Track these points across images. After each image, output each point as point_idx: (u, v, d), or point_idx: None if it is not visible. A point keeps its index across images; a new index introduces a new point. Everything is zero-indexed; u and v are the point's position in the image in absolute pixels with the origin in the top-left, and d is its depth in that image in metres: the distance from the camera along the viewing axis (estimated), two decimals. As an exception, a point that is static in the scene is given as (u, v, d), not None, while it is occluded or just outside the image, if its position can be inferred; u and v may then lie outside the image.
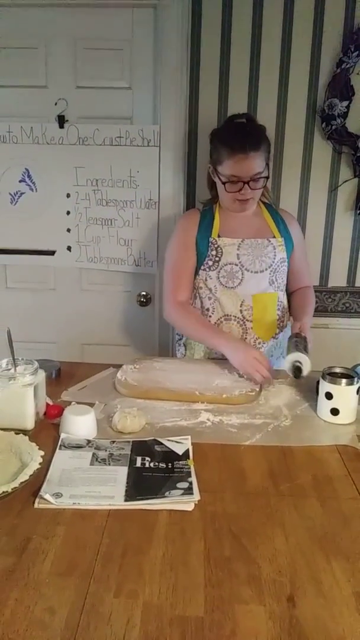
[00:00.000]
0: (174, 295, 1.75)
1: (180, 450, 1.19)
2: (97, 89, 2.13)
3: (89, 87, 2.13)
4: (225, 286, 1.73)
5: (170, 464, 1.13)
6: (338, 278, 2.27)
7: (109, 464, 1.13)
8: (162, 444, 1.21)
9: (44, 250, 2.28)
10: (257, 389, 1.48)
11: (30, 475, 1.04)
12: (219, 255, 1.72)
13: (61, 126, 2.14)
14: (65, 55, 2.11)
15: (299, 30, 2.02)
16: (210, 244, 1.73)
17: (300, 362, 1.47)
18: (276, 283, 1.76)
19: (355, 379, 1.35)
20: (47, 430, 1.28)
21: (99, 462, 1.14)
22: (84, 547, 0.91)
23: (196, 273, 1.76)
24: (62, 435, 1.23)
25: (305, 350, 1.51)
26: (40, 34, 2.10)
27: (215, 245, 1.72)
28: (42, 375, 1.33)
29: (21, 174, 2.21)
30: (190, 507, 1.01)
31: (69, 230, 2.25)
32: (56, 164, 2.18)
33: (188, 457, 1.17)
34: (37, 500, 1.01)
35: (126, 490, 1.04)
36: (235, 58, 2.06)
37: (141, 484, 1.06)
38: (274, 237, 1.76)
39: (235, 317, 1.74)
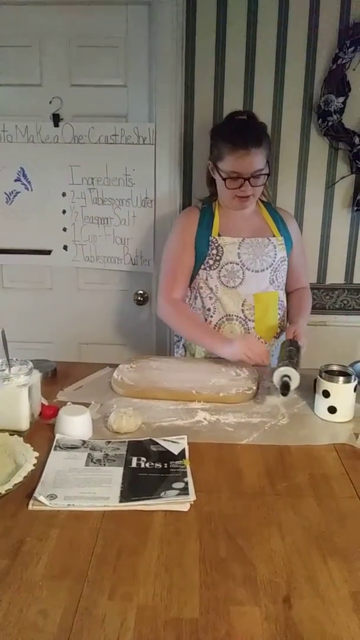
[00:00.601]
0: (168, 293, 1.73)
1: (176, 450, 1.18)
2: (92, 86, 2.12)
3: (84, 85, 2.13)
4: (226, 286, 1.72)
5: (166, 464, 1.13)
6: (336, 275, 2.26)
7: (104, 465, 1.12)
8: (158, 444, 1.20)
9: (40, 249, 2.27)
10: (254, 388, 1.47)
11: (24, 477, 1.03)
12: (220, 255, 1.71)
13: (56, 124, 2.13)
14: (60, 53, 2.10)
15: (294, 26, 2.01)
16: (210, 242, 1.71)
17: (289, 377, 1.38)
18: (277, 282, 1.75)
19: (353, 377, 1.34)
20: (43, 430, 1.27)
21: (94, 462, 1.13)
22: (78, 549, 0.90)
23: (196, 272, 1.75)
24: (57, 436, 1.22)
25: (297, 363, 1.45)
26: (34, 32, 2.09)
27: (216, 244, 1.71)
28: (37, 375, 1.32)
29: (16, 173, 2.20)
30: (185, 507, 1.00)
31: (65, 229, 2.24)
32: (51, 163, 2.17)
33: (184, 457, 1.16)
34: (31, 502, 1.00)
35: (121, 491, 1.03)
36: (230, 54, 2.05)
37: (136, 485, 1.06)
38: (274, 236, 1.74)
39: (237, 317, 1.73)
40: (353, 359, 1.52)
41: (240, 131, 1.63)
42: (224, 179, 1.64)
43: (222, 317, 1.74)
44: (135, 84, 2.12)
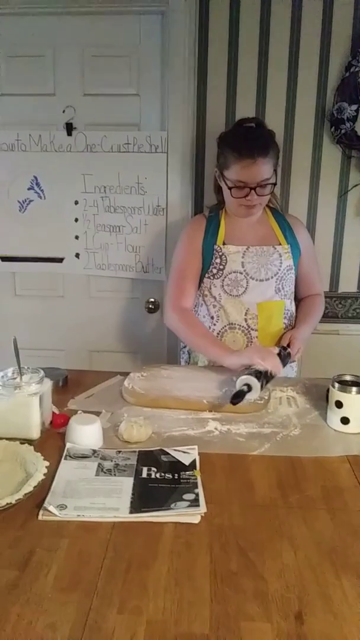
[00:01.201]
0: (176, 301, 1.72)
1: (187, 461, 1.17)
2: (105, 96, 2.14)
3: (97, 95, 2.14)
4: (230, 294, 1.71)
5: (176, 475, 1.12)
6: (348, 283, 2.24)
7: (115, 475, 1.12)
8: (168, 454, 1.20)
9: (53, 257, 2.28)
10: (266, 398, 1.45)
11: (35, 487, 1.03)
12: (223, 263, 1.70)
13: (69, 133, 2.15)
14: (73, 63, 2.12)
15: (307, 35, 2.01)
16: (214, 251, 1.71)
17: (249, 388, 1.34)
18: (283, 291, 1.74)
19: (366, 387, 1.32)
20: (53, 439, 1.27)
21: (105, 472, 1.12)
22: (88, 561, 0.89)
23: (201, 281, 1.75)
24: (68, 445, 1.22)
25: (266, 377, 1.40)
26: (48, 42, 2.11)
27: (220, 253, 1.70)
28: (48, 384, 1.32)
29: (30, 181, 2.21)
30: (196, 519, 0.99)
31: (77, 237, 2.25)
32: (64, 172, 2.18)
33: (195, 468, 1.15)
34: (41, 512, 1.00)
35: (131, 502, 1.03)
36: (242, 63, 2.05)
37: (147, 496, 1.05)
38: (280, 244, 1.73)
39: (240, 325, 1.72)
40: (366, 368, 1.51)
41: (247, 140, 1.61)
42: (230, 188, 1.63)
43: (225, 326, 1.73)
44: (148, 92, 2.12)
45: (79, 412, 1.34)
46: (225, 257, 1.70)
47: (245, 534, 0.96)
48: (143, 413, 1.39)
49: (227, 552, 0.92)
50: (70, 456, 1.18)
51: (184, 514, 1.00)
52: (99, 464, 1.15)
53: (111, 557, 0.90)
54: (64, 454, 1.19)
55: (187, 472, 1.13)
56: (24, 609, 0.79)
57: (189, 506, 1.01)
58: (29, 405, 1.24)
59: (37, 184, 2.22)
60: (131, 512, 1.00)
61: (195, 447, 1.23)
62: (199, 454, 1.20)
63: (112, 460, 1.17)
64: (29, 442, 1.20)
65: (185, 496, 1.04)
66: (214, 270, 1.71)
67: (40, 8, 2.05)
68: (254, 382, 1.35)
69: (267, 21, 2.01)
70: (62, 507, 1.00)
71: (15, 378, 1.29)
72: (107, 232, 2.23)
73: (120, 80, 2.12)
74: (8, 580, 0.85)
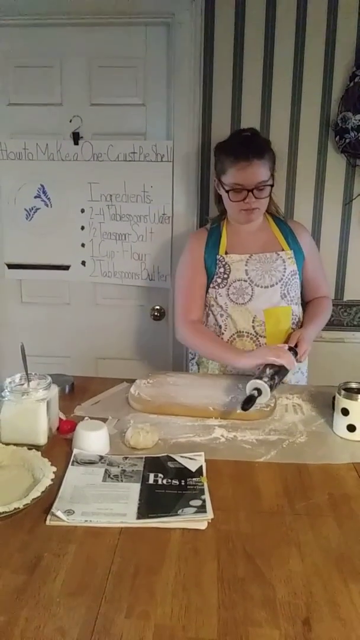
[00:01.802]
0: (185, 316, 1.74)
1: (193, 467, 1.17)
2: (111, 106, 2.16)
3: (104, 105, 2.16)
4: (236, 303, 1.72)
5: (183, 481, 1.12)
6: (353, 292, 2.24)
7: (122, 481, 1.12)
8: (175, 460, 1.20)
9: (59, 265, 2.30)
10: (272, 405, 1.46)
11: (42, 492, 1.03)
12: (227, 272, 1.71)
13: (76, 143, 2.17)
14: (80, 73, 2.15)
15: (311, 45, 2.03)
16: (217, 261, 1.72)
17: (259, 392, 1.34)
18: (289, 296, 1.74)
19: (372, 395, 1.32)
20: (60, 445, 1.28)
21: (112, 478, 1.13)
22: (95, 566, 0.89)
23: (206, 291, 1.76)
24: (75, 451, 1.22)
25: (279, 380, 1.42)
26: (55, 53, 2.13)
27: (223, 263, 1.71)
28: (55, 390, 1.33)
29: (36, 189, 2.24)
30: (203, 525, 0.99)
31: (83, 245, 2.27)
32: (71, 180, 2.20)
33: (201, 474, 1.15)
34: (48, 517, 1.00)
35: (138, 508, 1.03)
36: (247, 73, 2.07)
37: (154, 502, 1.05)
38: (283, 250, 1.74)
39: (248, 333, 1.72)
40: (372, 376, 1.51)
41: (242, 144, 1.65)
42: (228, 191, 1.65)
43: (234, 334, 1.74)
44: (154, 102, 2.15)
45: (86, 418, 1.35)
46: (229, 266, 1.71)
47: (252, 541, 0.96)
48: (149, 420, 1.39)
49: (234, 558, 0.92)
50: (77, 462, 1.19)
51: (191, 520, 1.00)
52: (106, 470, 1.16)
53: (119, 562, 0.90)
54: (71, 460, 1.19)
55: (194, 479, 1.13)
56: (33, 613, 0.80)
57: (196, 512, 1.02)
58: (36, 411, 1.24)
59: (44, 192, 2.24)
60: (138, 518, 1.00)
61: (202, 453, 1.23)
62: (206, 460, 1.21)
63: (119, 466, 1.17)
64: (37, 447, 1.21)
65: (192, 502, 1.05)
66: (219, 280, 1.72)
67: (48, 20, 2.08)
68: (264, 386, 1.36)
69: (271, 32, 2.04)
70: (69, 512, 1.01)
71: (22, 384, 1.30)
72: (113, 240, 2.24)
73: (127, 90, 2.14)
74: (17, 584, 0.85)
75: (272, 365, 1.45)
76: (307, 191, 2.16)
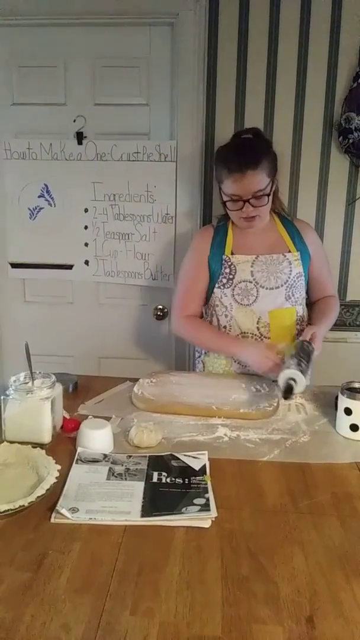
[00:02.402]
0: (181, 310, 1.77)
1: (197, 466, 1.18)
2: (115, 105, 2.16)
3: (107, 104, 2.17)
4: (241, 304, 1.72)
5: (187, 480, 1.12)
6: (356, 292, 2.25)
7: (126, 479, 1.13)
8: (178, 459, 1.20)
9: (62, 264, 2.30)
10: (275, 404, 1.46)
11: (47, 490, 1.04)
12: (233, 273, 1.71)
13: (79, 142, 2.17)
14: (84, 73, 2.15)
15: (315, 45, 2.03)
16: (223, 261, 1.72)
17: (294, 381, 1.38)
18: (293, 298, 1.74)
19: (375, 394, 1.33)
20: (64, 444, 1.28)
21: (116, 476, 1.13)
22: (100, 563, 0.90)
23: (211, 291, 1.76)
24: (79, 449, 1.23)
25: (305, 367, 1.44)
26: (59, 53, 2.14)
27: (229, 263, 1.72)
28: (59, 388, 1.34)
29: (40, 189, 2.24)
30: (207, 523, 1.00)
31: (86, 244, 2.27)
32: (74, 180, 2.20)
33: (205, 473, 1.16)
34: (53, 514, 1.01)
35: (142, 506, 1.03)
36: (251, 73, 2.08)
37: (158, 500, 1.06)
38: (290, 251, 1.74)
39: (252, 334, 1.73)
40: (375, 376, 1.51)
41: (237, 154, 1.61)
42: (225, 202, 1.66)
43: (238, 335, 1.74)
44: (157, 102, 2.15)
45: (90, 417, 1.35)
46: (235, 266, 1.71)
47: (255, 539, 0.96)
48: (153, 418, 1.40)
49: (238, 556, 0.92)
50: (81, 460, 1.19)
51: (195, 518, 1.00)
52: (110, 468, 1.16)
53: (123, 559, 0.91)
54: (75, 458, 1.20)
55: (198, 477, 1.14)
56: (38, 609, 0.80)
57: (200, 510, 1.02)
58: (40, 409, 1.25)
59: (48, 192, 2.25)
60: (142, 516, 1.01)
61: (205, 452, 1.24)
62: (209, 459, 1.21)
63: (122, 465, 1.18)
64: (41, 446, 1.22)
65: (196, 501, 1.05)
66: (224, 280, 1.72)
67: (51, 20, 2.09)
68: (298, 375, 1.38)
69: (275, 32, 2.04)
70: (74, 510, 1.01)
71: (27, 383, 1.30)
72: (116, 240, 2.25)
73: (130, 90, 2.15)
74: (22, 581, 0.86)
75: (297, 354, 1.47)
76: (310, 191, 2.16)
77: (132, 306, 2.34)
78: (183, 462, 1.19)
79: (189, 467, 1.18)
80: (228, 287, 1.72)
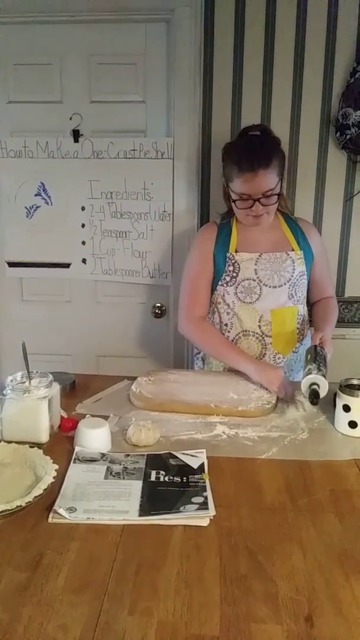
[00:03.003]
0: (190, 311, 1.74)
1: (195, 464, 1.18)
2: (111, 103, 2.15)
3: (103, 102, 2.16)
4: (243, 301, 1.71)
5: (185, 478, 1.12)
6: (354, 288, 2.24)
7: (123, 478, 1.12)
8: (176, 457, 1.20)
9: (59, 262, 2.30)
10: (273, 402, 1.46)
11: (44, 490, 1.04)
12: (237, 271, 1.71)
13: (76, 140, 2.16)
14: (80, 70, 2.14)
15: (312, 41, 2.03)
16: (227, 259, 1.71)
17: (317, 386, 1.38)
18: (296, 297, 1.74)
19: (374, 391, 1.32)
20: (62, 443, 1.28)
21: (113, 476, 1.13)
22: (98, 563, 0.90)
23: (214, 288, 1.75)
24: (77, 449, 1.22)
25: (324, 369, 1.45)
26: (55, 50, 2.13)
27: (233, 261, 1.71)
28: (56, 388, 1.33)
29: (37, 187, 2.23)
30: (205, 522, 0.99)
31: (83, 242, 2.27)
32: (71, 178, 2.20)
33: (203, 471, 1.15)
34: (51, 514, 1.00)
35: (140, 505, 1.03)
36: (248, 70, 2.07)
37: (156, 499, 1.05)
38: (293, 250, 1.73)
39: (254, 332, 1.72)
40: (373, 372, 1.51)
41: (248, 153, 1.58)
42: (234, 200, 1.64)
43: (239, 333, 1.73)
44: (154, 99, 2.14)
45: (87, 416, 1.35)
46: (238, 264, 1.70)
47: (254, 537, 0.96)
48: (151, 417, 1.39)
49: (237, 554, 0.92)
50: (79, 459, 1.19)
51: (193, 516, 1.00)
52: (108, 468, 1.16)
53: (121, 559, 0.90)
54: (73, 458, 1.19)
55: (196, 476, 1.13)
56: (35, 610, 0.80)
57: (198, 509, 1.02)
58: (38, 408, 1.24)
59: (44, 190, 2.24)
60: (140, 515, 1.00)
61: (204, 450, 1.23)
62: (207, 457, 1.21)
63: (120, 464, 1.17)
64: (38, 445, 1.21)
65: (194, 499, 1.05)
66: (227, 278, 1.72)
67: (47, 17, 2.07)
68: (321, 380, 1.38)
69: (272, 28, 2.03)
70: (71, 509, 1.01)
71: (24, 382, 1.30)
72: (113, 238, 2.24)
73: (127, 87, 2.14)
74: (19, 581, 0.85)
75: (313, 357, 1.47)
76: (308, 188, 2.15)
77: (130, 304, 2.33)
78: (181, 460, 1.19)
79: (187, 465, 1.17)
80: (231, 285, 1.71)
